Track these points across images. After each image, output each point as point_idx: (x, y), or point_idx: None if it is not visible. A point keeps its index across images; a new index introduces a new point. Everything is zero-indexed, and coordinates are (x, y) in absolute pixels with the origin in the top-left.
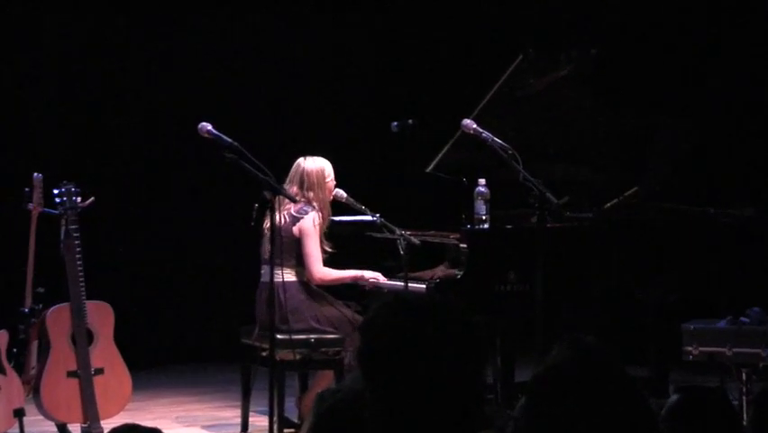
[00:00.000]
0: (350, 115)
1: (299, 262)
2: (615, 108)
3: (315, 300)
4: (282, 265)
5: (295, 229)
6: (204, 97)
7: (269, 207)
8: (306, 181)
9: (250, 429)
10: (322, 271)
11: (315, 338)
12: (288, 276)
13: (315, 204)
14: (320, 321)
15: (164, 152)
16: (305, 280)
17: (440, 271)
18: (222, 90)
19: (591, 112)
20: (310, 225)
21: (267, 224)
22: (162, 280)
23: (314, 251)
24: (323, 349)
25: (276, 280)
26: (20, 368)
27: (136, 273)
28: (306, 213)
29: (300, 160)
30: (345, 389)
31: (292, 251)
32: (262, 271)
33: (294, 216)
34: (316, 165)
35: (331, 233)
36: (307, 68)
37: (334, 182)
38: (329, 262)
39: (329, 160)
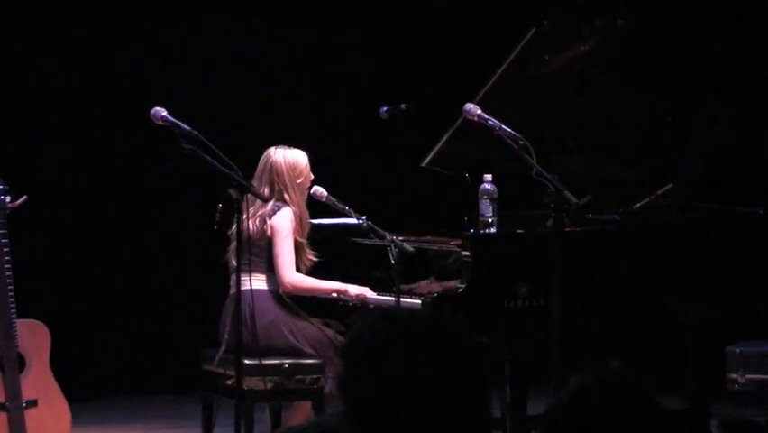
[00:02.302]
0: (332, 99)
1: (270, 267)
2: (646, 91)
3: (291, 314)
4: (251, 273)
5: (266, 228)
6: (159, 82)
7: (237, 208)
8: (276, 181)
9: None
10: (295, 276)
11: (289, 364)
12: (259, 284)
13: (292, 208)
14: (297, 337)
15: (113, 143)
16: (278, 291)
17: (434, 284)
18: (181, 75)
19: (618, 95)
20: (286, 222)
21: (234, 228)
22: (107, 295)
23: (286, 251)
24: (298, 376)
25: (244, 290)
26: None
27: (76, 287)
28: (280, 208)
29: (270, 151)
30: (312, 428)
31: (262, 254)
32: (231, 283)
33: (266, 217)
34: (287, 159)
35: (311, 239)
36: (282, 47)
37: (311, 178)
38: (308, 272)
39: (307, 152)
